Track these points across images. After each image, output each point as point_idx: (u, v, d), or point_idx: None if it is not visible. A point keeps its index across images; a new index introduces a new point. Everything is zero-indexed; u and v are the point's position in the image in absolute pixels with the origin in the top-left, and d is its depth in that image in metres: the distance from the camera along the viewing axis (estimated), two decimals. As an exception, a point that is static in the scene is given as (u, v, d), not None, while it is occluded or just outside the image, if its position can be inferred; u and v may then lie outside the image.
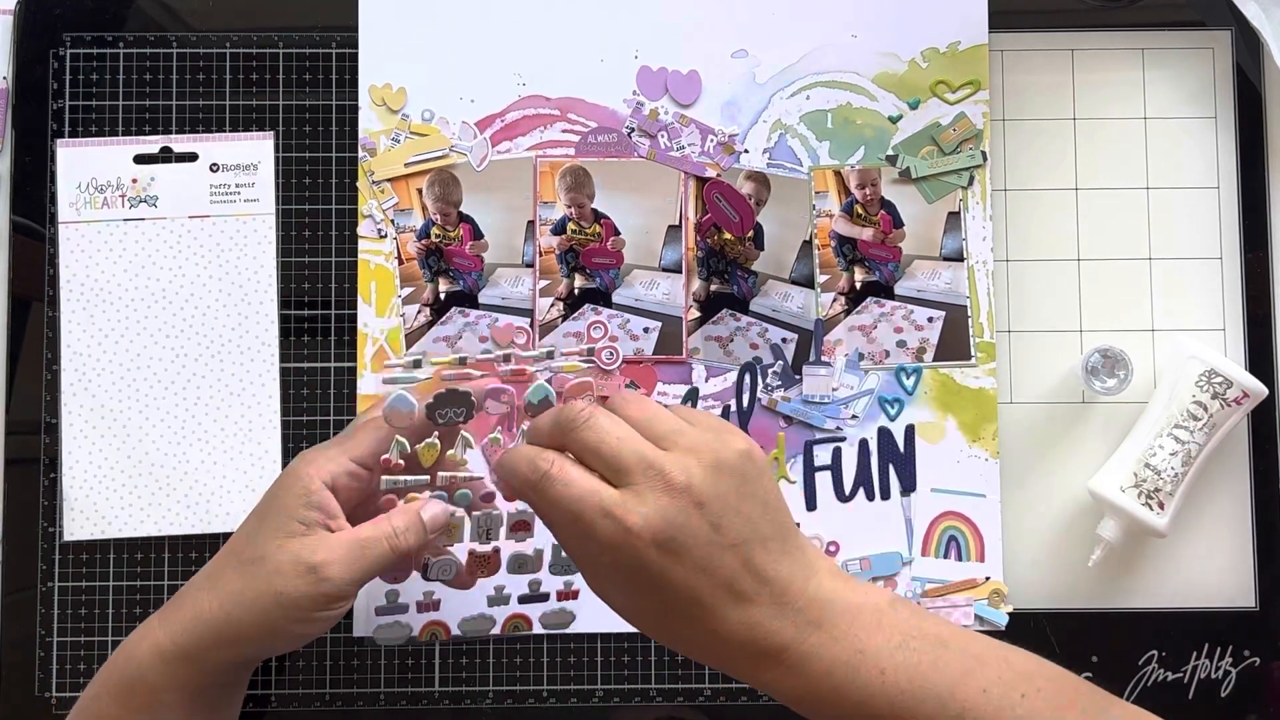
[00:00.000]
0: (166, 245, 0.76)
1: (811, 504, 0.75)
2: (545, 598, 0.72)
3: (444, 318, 0.76)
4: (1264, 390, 0.72)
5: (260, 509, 0.63)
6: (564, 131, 0.77)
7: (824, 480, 0.75)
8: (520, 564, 0.69)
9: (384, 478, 0.64)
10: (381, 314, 0.76)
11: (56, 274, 0.75)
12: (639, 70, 0.77)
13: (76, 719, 0.63)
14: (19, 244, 0.76)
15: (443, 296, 0.76)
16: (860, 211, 0.77)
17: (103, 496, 0.74)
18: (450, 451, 0.64)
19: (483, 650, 0.75)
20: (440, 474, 0.65)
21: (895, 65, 0.77)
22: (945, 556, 0.75)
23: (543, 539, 0.67)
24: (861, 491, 0.75)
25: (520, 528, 0.67)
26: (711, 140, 0.77)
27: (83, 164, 0.76)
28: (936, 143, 0.77)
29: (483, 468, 0.71)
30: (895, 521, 0.75)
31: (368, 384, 0.75)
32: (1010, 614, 0.74)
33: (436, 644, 0.74)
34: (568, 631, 0.74)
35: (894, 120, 0.77)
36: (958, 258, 0.76)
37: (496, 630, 0.72)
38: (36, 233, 0.76)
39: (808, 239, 0.77)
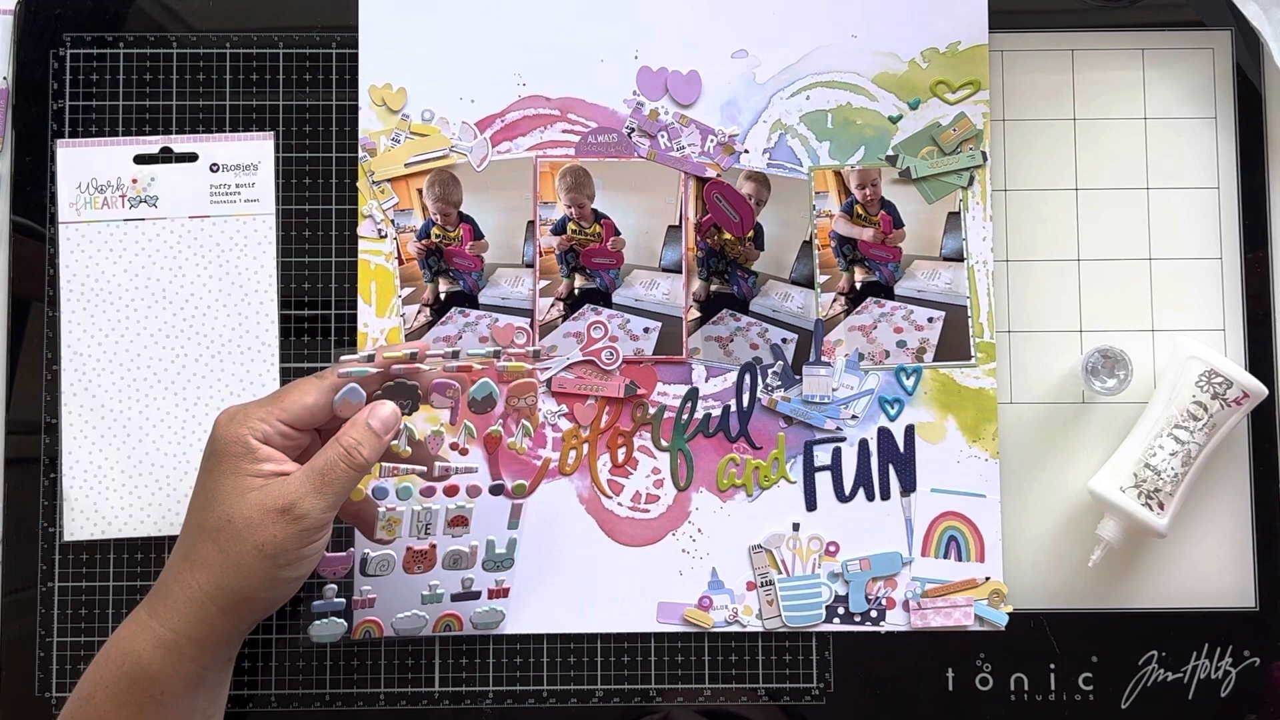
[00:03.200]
0: (166, 245, 0.76)
1: (811, 504, 0.75)
2: (477, 595, 0.73)
3: (444, 318, 0.76)
4: (1264, 390, 0.72)
5: (206, 477, 0.63)
6: (564, 131, 0.77)
7: (824, 480, 0.75)
8: (455, 560, 0.71)
9: None
10: (381, 314, 0.76)
11: (56, 274, 0.75)
12: (639, 70, 0.77)
13: None
14: (19, 244, 0.76)
15: (443, 297, 0.76)
16: (860, 211, 0.77)
17: (103, 496, 0.74)
18: (394, 443, 0.66)
19: (483, 650, 0.75)
20: (383, 464, 0.67)
21: (895, 65, 0.77)
22: (945, 556, 0.75)
23: (478, 534, 0.70)
24: (861, 491, 0.75)
25: (458, 522, 0.70)
26: (711, 140, 0.77)
27: (83, 164, 0.76)
28: (936, 143, 0.77)
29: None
30: (895, 521, 0.75)
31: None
32: (1010, 614, 0.74)
33: (436, 643, 0.74)
34: (567, 631, 0.74)
35: (894, 120, 0.77)
36: (958, 258, 0.76)
37: (428, 630, 0.72)
38: (36, 233, 0.76)
39: (808, 239, 0.77)
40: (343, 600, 0.70)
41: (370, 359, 0.66)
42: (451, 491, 0.69)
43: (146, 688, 0.62)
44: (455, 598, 0.72)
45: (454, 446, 0.68)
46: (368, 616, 0.72)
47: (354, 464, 0.63)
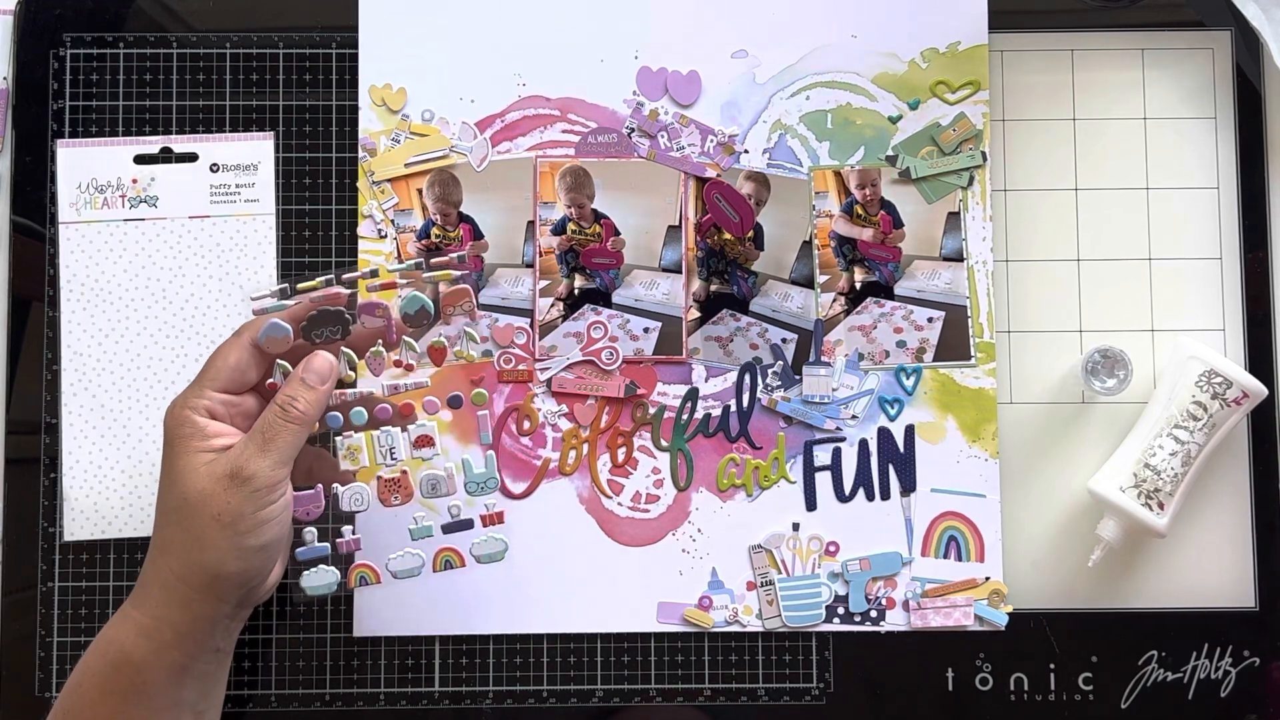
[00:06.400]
0: (166, 245, 0.76)
1: (811, 504, 0.75)
2: (469, 524, 0.69)
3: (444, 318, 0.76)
4: (1264, 390, 0.72)
5: (164, 466, 0.64)
6: (564, 132, 0.77)
7: (824, 480, 0.75)
8: (433, 486, 0.68)
9: None
10: (381, 314, 0.75)
11: (56, 274, 0.75)
12: (639, 70, 0.77)
13: (61, 712, 0.64)
14: (19, 244, 0.76)
15: (443, 296, 0.76)
16: (860, 212, 0.77)
17: (103, 496, 0.74)
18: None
19: (483, 650, 0.75)
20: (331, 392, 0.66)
21: (895, 65, 0.77)
22: (945, 556, 0.75)
23: (453, 455, 0.68)
24: (861, 491, 0.75)
25: (424, 443, 0.67)
26: (711, 140, 0.77)
27: (83, 164, 0.76)
28: (936, 143, 0.77)
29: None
30: (895, 521, 0.75)
31: (366, 384, 0.75)
32: (1010, 614, 0.74)
33: (436, 643, 0.74)
34: (567, 631, 0.74)
35: (894, 120, 0.77)
36: (958, 258, 0.76)
37: (428, 568, 0.69)
38: (36, 233, 0.76)
39: (808, 239, 0.77)
40: (326, 545, 0.67)
41: (283, 292, 0.65)
42: (408, 410, 0.68)
43: (130, 675, 0.62)
44: (446, 529, 0.69)
45: (398, 364, 0.67)
46: (360, 562, 0.69)
47: (291, 417, 0.63)
